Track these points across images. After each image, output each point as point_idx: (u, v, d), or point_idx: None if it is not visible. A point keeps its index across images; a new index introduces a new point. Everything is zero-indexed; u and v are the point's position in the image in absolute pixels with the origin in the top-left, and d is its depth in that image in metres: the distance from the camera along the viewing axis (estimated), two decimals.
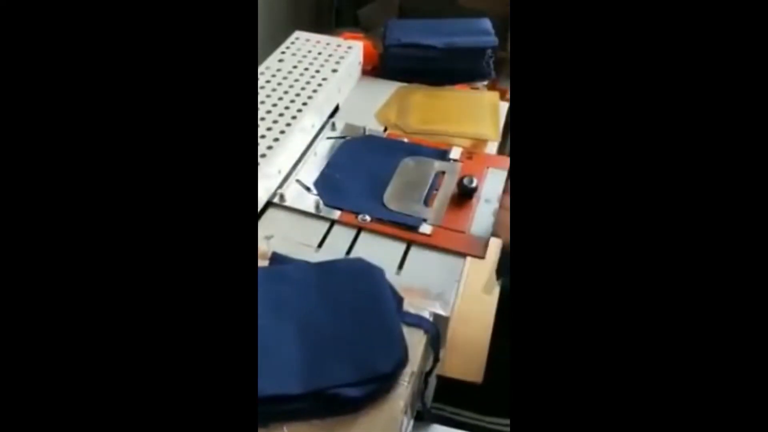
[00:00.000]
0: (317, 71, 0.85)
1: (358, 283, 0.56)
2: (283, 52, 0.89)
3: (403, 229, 0.67)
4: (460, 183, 0.71)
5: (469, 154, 0.80)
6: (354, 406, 0.48)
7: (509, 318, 0.34)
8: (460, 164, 0.78)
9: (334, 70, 0.85)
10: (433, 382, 0.75)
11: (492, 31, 0.96)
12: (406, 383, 0.50)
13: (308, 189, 0.72)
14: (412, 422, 0.68)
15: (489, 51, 0.95)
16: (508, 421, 0.77)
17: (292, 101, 0.77)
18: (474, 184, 0.71)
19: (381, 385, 0.49)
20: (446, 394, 0.78)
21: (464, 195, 0.71)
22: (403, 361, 0.50)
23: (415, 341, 0.54)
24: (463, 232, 0.67)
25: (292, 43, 0.92)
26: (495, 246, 0.70)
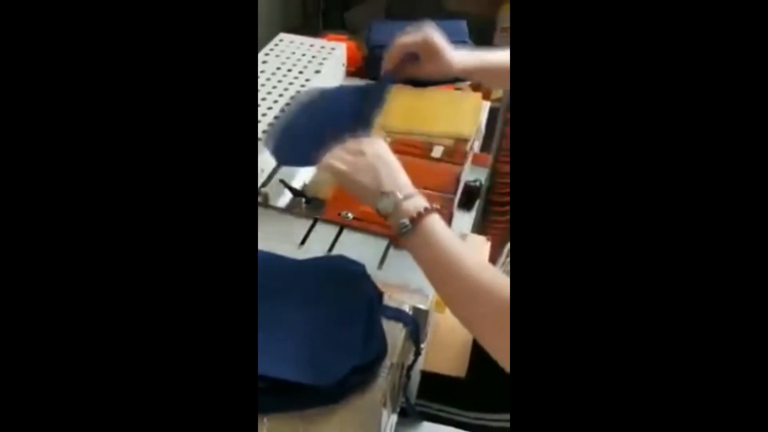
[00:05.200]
0: (300, 72, 0.86)
1: (338, 279, 0.57)
2: (267, 54, 0.90)
3: (385, 225, 0.67)
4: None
5: (450, 153, 0.81)
6: (333, 398, 0.49)
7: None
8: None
9: (317, 71, 0.86)
10: (416, 377, 0.76)
11: (466, 31, 0.98)
12: (385, 374, 0.51)
13: (291, 188, 0.73)
14: (395, 418, 0.69)
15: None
16: (490, 416, 0.77)
17: (275, 101, 0.78)
18: (477, 183, 0.71)
19: (360, 377, 0.49)
20: (430, 390, 0.79)
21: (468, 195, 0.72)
22: (382, 352, 0.51)
23: (395, 334, 0.55)
24: None
25: (276, 45, 0.93)
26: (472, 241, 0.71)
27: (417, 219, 0.50)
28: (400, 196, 0.51)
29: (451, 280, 0.47)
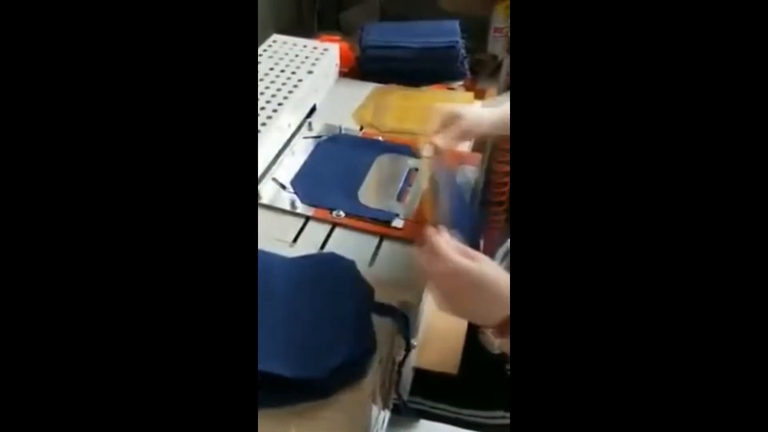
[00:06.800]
0: (293, 72, 0.86)
1: (328, 275, 0.58)
2: (260, 55, 0.91)
3: (376, 223, 0.68)
4: (431, 179, 0.72)
5: (441, 152, 0.82)
6: (322, 392, 0.49)
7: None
8: (432, 161, 0.79)
9: (310, 72, 0.87)
10: (409, 375, 0.76)
11: (458, 31, 0.98)
12: (374, 370, 0.52)
13: (284, 187, 0.74)
14: (387, 415, 0.69)
15: (462, 51, 0.97)
16: (484, 413, 0.78)
17: (268, 102, 0.79)
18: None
19: (349, 372, 0.50)
20: (423, 387, 0.79)
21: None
22: (371, 348, 0.52)
23: (385, 329, 0.55)
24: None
25: (269, 45, 0.94)
26: None
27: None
28: (493, 339, 0.49)
29: None
